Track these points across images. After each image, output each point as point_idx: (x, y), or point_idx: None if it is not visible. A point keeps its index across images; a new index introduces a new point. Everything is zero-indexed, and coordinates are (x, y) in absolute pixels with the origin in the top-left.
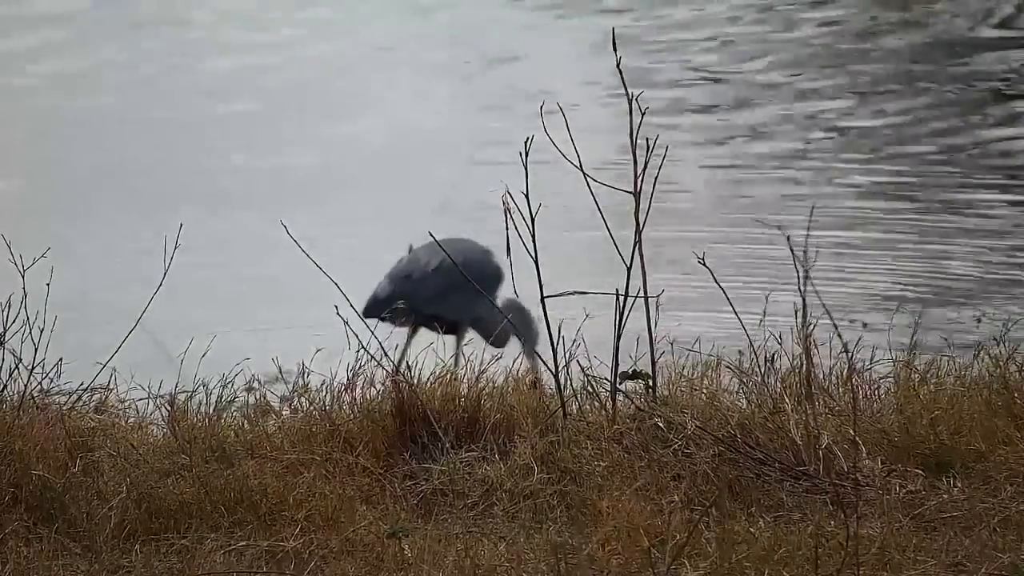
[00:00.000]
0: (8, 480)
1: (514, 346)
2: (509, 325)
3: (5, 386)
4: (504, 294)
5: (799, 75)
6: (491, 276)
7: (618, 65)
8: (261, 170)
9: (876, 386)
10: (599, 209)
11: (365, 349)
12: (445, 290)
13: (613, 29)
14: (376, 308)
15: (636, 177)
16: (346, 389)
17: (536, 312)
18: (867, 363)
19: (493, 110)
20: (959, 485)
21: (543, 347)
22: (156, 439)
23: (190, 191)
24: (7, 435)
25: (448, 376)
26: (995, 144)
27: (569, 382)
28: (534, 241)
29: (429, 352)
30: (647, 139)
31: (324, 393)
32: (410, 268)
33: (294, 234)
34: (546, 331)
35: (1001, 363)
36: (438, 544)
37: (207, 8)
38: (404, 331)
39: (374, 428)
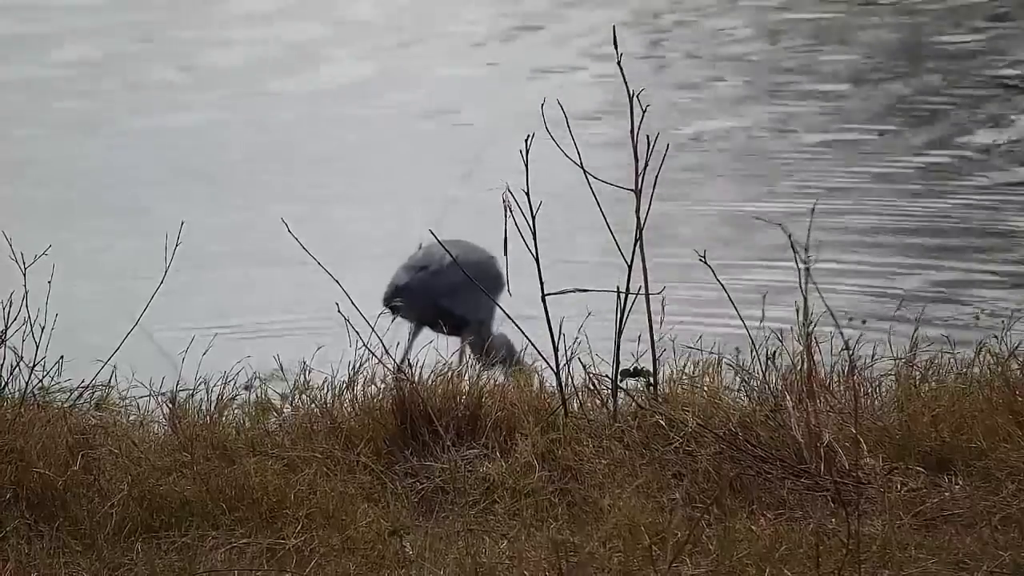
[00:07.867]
0: (9, 478)
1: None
2: (498, 354)
3: (6, 384)
4: (499, 318)
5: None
6: (493, 282)
7: (619, 63)
8: (260, 167)
9: (877, 384)
10: (599, 206)
11: (367, 347)
12: (459, 285)
13: (614, 27)
14: (395, 296)
15: (637, 175)
16: (347, 386)
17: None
18: (868, 361)
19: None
20: (960, 483)
21: (544, 345)
22: (157, 437)
23: (190, 189)
24: (8, 433)
25: (450, 373)
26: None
27: (570, 380)
28: (535, 239)
29: (430, 350)
30: (648, 136)
31: (325, 391)
32: (427, 260)
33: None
34: (547, 329)
35: (1002, 360)
36: (439, 542)
37: None
38: (405, 329)
39: (375, 425)
